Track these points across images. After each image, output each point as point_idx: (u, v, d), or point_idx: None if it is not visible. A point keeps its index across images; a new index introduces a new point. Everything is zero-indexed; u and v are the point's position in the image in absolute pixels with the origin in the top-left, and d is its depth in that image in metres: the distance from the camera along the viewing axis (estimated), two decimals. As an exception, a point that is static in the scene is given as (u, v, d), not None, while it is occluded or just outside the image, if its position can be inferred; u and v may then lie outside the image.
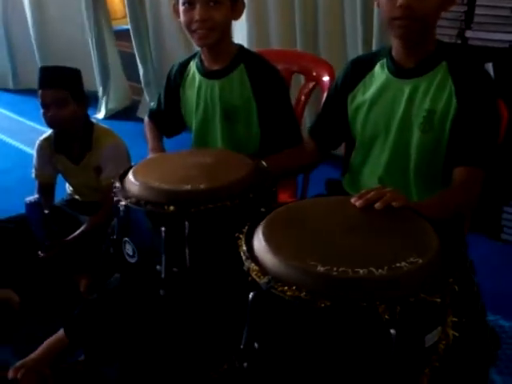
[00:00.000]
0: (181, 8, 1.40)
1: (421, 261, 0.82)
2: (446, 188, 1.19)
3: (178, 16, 1.43)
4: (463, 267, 0.87)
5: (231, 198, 1.06)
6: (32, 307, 1.75)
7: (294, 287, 0.79)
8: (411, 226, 0.93)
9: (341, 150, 1.62)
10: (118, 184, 1.14)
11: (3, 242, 1.81)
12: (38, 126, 3.47)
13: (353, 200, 0.97)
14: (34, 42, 4.16)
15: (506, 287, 1.79)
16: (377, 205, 0.94)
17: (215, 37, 1.40)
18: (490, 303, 1.19)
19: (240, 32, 2.75)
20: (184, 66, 1.57)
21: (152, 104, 1.78)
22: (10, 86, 4.45)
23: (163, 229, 1.04)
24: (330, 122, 1.38)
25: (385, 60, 1.24)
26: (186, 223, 1.04)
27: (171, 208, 1.04)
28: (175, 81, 1.58)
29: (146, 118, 1.69)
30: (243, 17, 2.62)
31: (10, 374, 1.38)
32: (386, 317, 0.75)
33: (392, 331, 0.75)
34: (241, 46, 1.53)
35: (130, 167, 1.20)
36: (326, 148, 1.44)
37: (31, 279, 1.80)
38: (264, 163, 1.22)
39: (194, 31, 1.39)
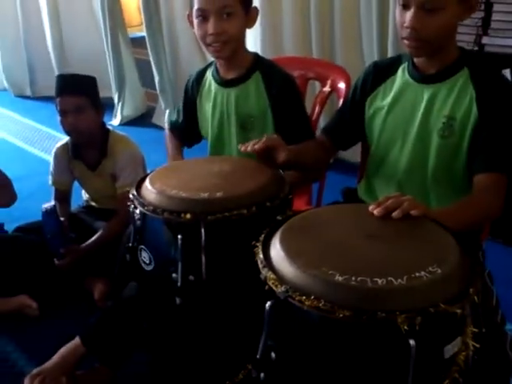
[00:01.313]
0: (195, 21, 1.40)
1: (440, 270, 0.81)
2: (466, 195, 1.17)
3: (193, 26, 1.43)
4: (482, 276, 0.86)
5: (248, 206, 1.06)
6: (47, 314, 1.76)
7: (312, 297, 0.78)
8: (430, 235, 0.92)
9: (357, 158, 1.62)
10: (134, 191, 1.14)
11: (20, 249, 1.83)
12: (55, 133, 3.52)
13: (371, 208, 0.96)
14: (51, 50, 4.23)
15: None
16: (395, 213, 0.93)
17: (230, 49, 1.40)
18: (509, 312, 1.17)
19: (254, 39, 2.77)
20: (201, 75, 1.58)
21: (168, 112, 1.80)
22: (28, 93, 4.53)
23: (180, 237, 1.04)
24: (345, 122, 1.37)
25: (406, 64, 1.24)
26: (203, 231, 1.04)
27: (188, 216, 1.04)
28: (192, 91, 1.59)
29: (167, 131, 1.71)
30: (257, 24, 2.68)
31: (26, 382, 1.39)
32: (406, 327, 0.74)
33: (411, 342, 0.74)
34: (256, 54, 1.53)
35: (147, 175, 1.21)
36: (337, 146, 1.43)
37: (47, 286, 1.82)
38: (281, 171, 1.22)
39: (209, 45, 1.40)
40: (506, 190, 1.14)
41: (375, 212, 0.95)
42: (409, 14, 1.09)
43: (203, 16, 1.36)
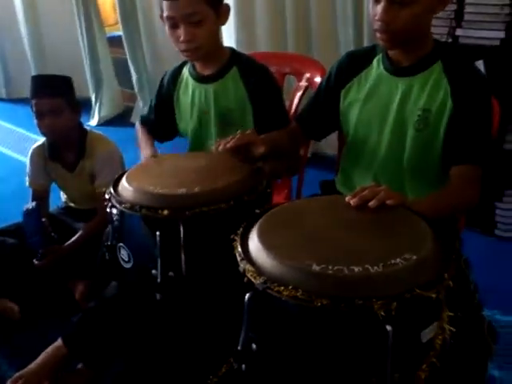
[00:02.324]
0: (166, 27, 1.39)
1: (415, 257, 0.82)
2: (441, 186, 1.19)
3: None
4: (458, 262, 0.87)
5: (226, 200, 1.06)
6: (28, 317, 1.74)
7: (290, 287, 0.79)
8: (406, 224, 0.94)
9: (334, 151, 1.63)
10: (111, 190, 1.13)
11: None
12: (31, 135, 3.47)
13: (347, 198, 0.97)
14: (27, 50, 4.16)
15: (502, 283, 1.79)
16: (371, 203, 0.94)
17: (203, 52, 1.41)
18: (486, 299, 1.19)
19: (229, 36, 2.76)
20: (177, 72, 1.57)
21: (142, 109, 1.78)
22: (3, 95, 4.45)
23: (158, 233, 1.04)
24: (318, 110, 1.37)
25: (381, 56, 1.25)
26: (181, 227, 1.04)
27: (166, 212, 1.04)
28: (168, 88, 1.58)
29: (137, 124, 1.69)
30: (232, 20, 2.67)
31: (10, 386, 1.37)
32: (382, 313, 0.75)
33: (388, 327, 0.75)
34: (232, 49, 1.53)
35: (124, 172, 1.20)
36: (309, 135, 1.44)
37: (28, 288, 1.80)
38: (258, 165, 1.22)
39: (182, 51, 1.40)
40: (481, 181, 1.16)
41: (351, 202, 0.96)
42: (380, 7, 1.09)
43: (173, 24, 1.36)
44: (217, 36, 1.45)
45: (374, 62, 1.26)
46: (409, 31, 1.11)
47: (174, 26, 1.36)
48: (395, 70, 1.21)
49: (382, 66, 1.23)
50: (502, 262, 1.94)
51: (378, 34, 1.14)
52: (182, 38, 1.35)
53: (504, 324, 1.63)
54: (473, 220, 1.92)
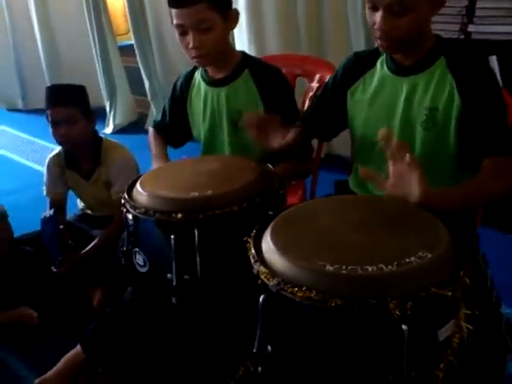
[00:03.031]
0: (176, 34, 1.41)
1: (430, 255, 0.81)
2: (454, 184, 1.17)
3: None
4: (474, 260, 0.86)
5: (239, 202, 1.07)
6: (47, 323, 1.76)
7: (303, 288, 0.79)
8: (419, 221, 0.93)
9: (347, 152, 1.62)
10: (125, 195, 1.15)
11: (18, 260, 1.83)
12: (48, 144, 3.53)
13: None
14: (43, 62, 4.24)
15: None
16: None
17: (212, 58, 1.42)
18: (505, 296, 1.17)
19: (241, 39, 2.78)
20: (189, 76, 1.58)
21: (156, 115, 1.80)
22: (20, 106, 4.53)
23: (172, 237, 1.05)
24: (325, 111, 1.37)
25: (384, 57, 1.24)
26: (196, 230, 1.05)
27: (179, 216, 1.05)
28: (181, 92, 1.60)
29: (151, 129, 1.71)
30: (243, 26, 2.68)
31: (30, 392, 1.40)
32: (398, 313, 0.74)
33: (404, 327, 0.75)
34: (243, 53, 1.54)
35: (138, 178, 1.21)
36: (313, 134, 1.44)
37: (46, 295, 1.82)
38: (270, 166, 1.23)
39: (192, 57, 1.41)
40: None
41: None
42: (378, 16, 1.09)
43: (182, 31, 1.38)
44: (226, 41, 1.46)
45: (378, 63, 1.25)
46: (409, 37, 1.11)
47: (183, 33, 1.38)
48: (398, 69, 1.20)
49: (385, 67, 1.23)
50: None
51: (379, 41, 1.14)
52: (191, 45, 1.37)
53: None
54: (490, 217, 1.89)
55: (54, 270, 1.78)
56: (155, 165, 1.51)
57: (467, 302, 0.84)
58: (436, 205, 0.95)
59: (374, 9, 1.10)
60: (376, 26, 1.10)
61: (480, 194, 1.07)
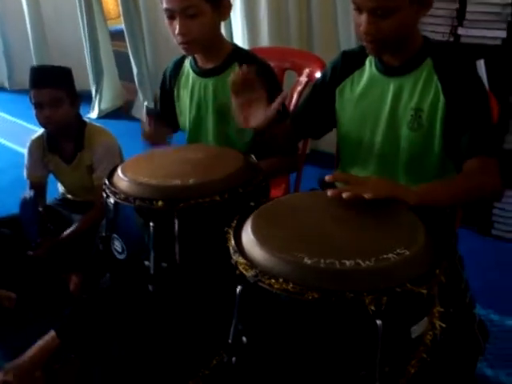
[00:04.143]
0: (165, 19, 1.40)
1: (408, 252, 0.82)
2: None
3: None
4: (451, 258, 0.87)
5: (221, 192, 1.06)
6: (22, 307, 1.74)
7: (281, 280, 0.79)
8: (399, 218, 0.93)
9: (332, 149, 1.63)
10: (106, 181, 1.13)
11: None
12: (32, 127, 3.47)
13: (331, 192, 0.95)
14: (30, 41, 4.16)
15: (497, 282, 1.79)
16: (344, 194, 0.92)
17: (198, 47, 1.41)
18: (481, 298, 1.19)
19: (235, 30, 2.76)
20: (178, 65, 1.57)
21: (146, 104, 1.78)
22: (6, 85, 4.45)
23: (152, 224, 1.04)
24: (314, 109, 1.37)
25: (372, 56, 1.24)
26: (176, 219, 1.04)
27: (160, 203, 1.04)
28: (170, 81, 1.58)
29: (144, 115, 1.69)
30: (238, 16, 2.67)
31: (1, 377, 1.37)
32: (373, 308, 0.75)
33: (378, 322, 0.75)
34: (234, 45, 1.53)
35: (119, 164, 1.20)
36: (303, 133, 1.44)
37: (23, 279, 1.80)
38: (254, 158, 1.22)
39: (179, 43, 1.40)
40: (498, 171, 1.11)
41: (343, 195, 0.94)
42: (363, 18, 1.09)
43: (170, 15, 1.37)
44: (215, 30, 1.44)
45: (367, 62, 1.26)
46: (394, 38, 1.11)
47: (171, 17, 1.37)
48: (386, 70, 1.21)
49: (373, 67, 1.23)
50: (498, 262, 1.94)
51: (365, 43, 1.14)
52: (176, 31, 1.36)
53: (498, 323, 1.63)
54: (469, 218, 1.92)
55: (30, 253, 1.75)
56: None
57: (442, 299, 0.84)
58: (427, 202, 0.96)
59: (359, 11, 1.10)
60: (361, 28, 1.10)
61: (464, 191, 1.07)
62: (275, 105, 1.21)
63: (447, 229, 1.24)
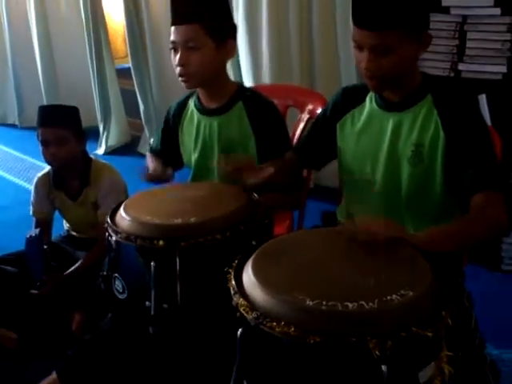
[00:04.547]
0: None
1: (412, 293, 0.80)
2: (443, 221, 1.16)
3: None
4: (458, 299, 0.85)
5: (222, 230, 1.05)
6: (24, 347, 1.72)
7: (282, 323, 0.77)
8: (404, 258, 0.92)
9: (335, 183, 1.62)
10: (108, 219, 1.13)
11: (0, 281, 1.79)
12: (39, 163, 3.51)
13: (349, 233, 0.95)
14: (41, 80, 4.26)
15: (509, 319, 1.74)
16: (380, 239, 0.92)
17: (197, 81, 1.42)
18: (492, 336, 1.16)
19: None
20: (182, 105, 1.59)
21: (151, 141, 1.80)
22: (17, 122, 4.55)
23: (153, 264, 1.03)
24: (316, 141, 1.38)
25: (373, 93, 1.25)
26: (177, 258, 1.03)
27: (161, 243, 1.03)
28: (174, 121, 1.60)
29: (148, 153, 1.70)
30: (242, 53, 2.72)
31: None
32: (377, 353, 0.73)
33: (383, 367, 0.73)
34: (239, 84, 1.55)
35: (122, 202, 1.20)
36: (306, 164, 1.46)
37: (25, 318, 1.78)
38: (256, 195, 1.22)
39: (178, 76, 1.41)
40: (504, 205, 1.09)
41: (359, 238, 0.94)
42: (363, 56, 1.11)
43: (174, 48, 1.40)
44: (217, 67, 1.45)
45: (367, 98, 1.27)
46: (394, 75, 1.12)
47: (174, 50, 1.40)
48: (386, 105, 1.22)
49: (374, 102, 1.25)
50: (509, 297, 1.90)
51: (366, 80, 1.15)
52: (176, 62, 1.38)
53: (509, 363, 1.58)
54: (477, 255, 1.89)
55: (34, 292, 1.73)
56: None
57: (449, 342, 0.82)
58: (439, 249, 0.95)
59: (360, 48, 1.11)
60: (362, 65, 1.12)
61: (472, 234, 1.06)
62: (264, 174, 1.22)
63: (454, 267, 1.21)
